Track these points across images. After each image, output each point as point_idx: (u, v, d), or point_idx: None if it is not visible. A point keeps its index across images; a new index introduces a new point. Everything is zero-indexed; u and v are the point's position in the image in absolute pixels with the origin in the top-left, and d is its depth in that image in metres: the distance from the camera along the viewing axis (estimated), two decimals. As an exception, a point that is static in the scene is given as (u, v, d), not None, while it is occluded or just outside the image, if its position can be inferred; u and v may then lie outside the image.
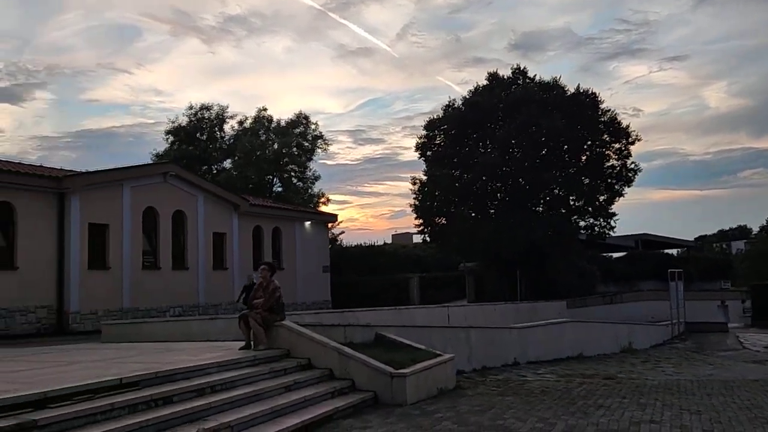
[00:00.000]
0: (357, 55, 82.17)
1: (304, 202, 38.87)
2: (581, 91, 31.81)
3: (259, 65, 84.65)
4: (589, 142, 31.64)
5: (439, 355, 11.72)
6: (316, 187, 42.69)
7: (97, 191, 20.98)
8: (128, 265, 21.84)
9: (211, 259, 25.33)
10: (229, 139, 43.91)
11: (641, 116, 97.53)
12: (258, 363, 9.88)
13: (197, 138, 43.83)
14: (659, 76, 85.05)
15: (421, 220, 32.80)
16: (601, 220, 31.89)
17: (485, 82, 32.71)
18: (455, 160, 31.98)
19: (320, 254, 31.54)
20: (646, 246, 44.32)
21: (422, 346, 12.45)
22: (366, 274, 35.64)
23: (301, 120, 41.99)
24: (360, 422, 8.49)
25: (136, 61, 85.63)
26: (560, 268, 30.90)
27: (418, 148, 32.78)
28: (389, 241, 47.86)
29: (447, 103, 32.82)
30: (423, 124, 33.09)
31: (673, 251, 49.68)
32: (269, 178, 40.89)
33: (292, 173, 41.83)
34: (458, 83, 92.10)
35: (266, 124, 41.91)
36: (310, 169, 41.76)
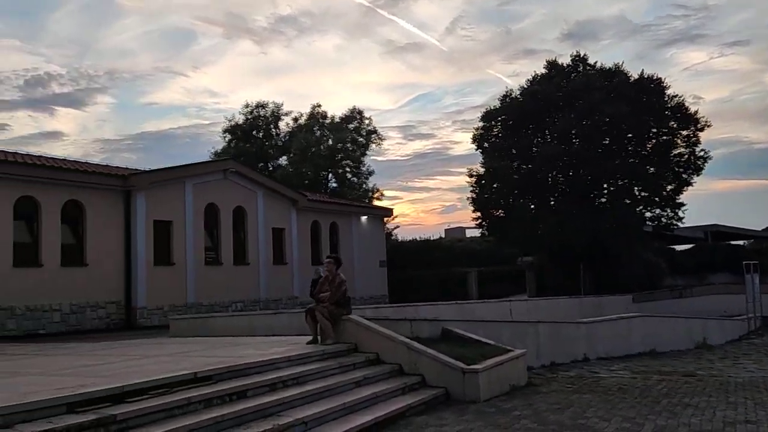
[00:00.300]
0: (406, 50, 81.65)
1: (358, 197, 38.86)
2: (646, 76, 30.55)
3: (310, 64, 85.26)
4: (655, 130, 30.37)
5: (510, 350, 11.35)
6: (370, 183, 42.75)
7: (161, 189, 21.37)
8: (192, 261, 22.19)
9: (271, 254, 25.52)
10: (285, 136, 44.33)
11: (702, 104, 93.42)
12: (327, 358, 9.74)
13: (253, 136, 44.45)
14: (720, 62, 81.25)
15: (478, 213, 32.25)
16: (668, 210, 30.60)
17: (544, 71, 31.85)
18: (513, 151, 31.30)
19: (377, 249, 31.40)
20: (717, 237, 42.36)
21: (491, 342, 12.11)
22: (422, 269, 35.32)
23: (355, 115, 42.01)
24: (434, 419, 8.22)
25: (192, 63, 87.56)
26: (625, 261, 29.83)
27: (474, 139, 32.22)
28: (441, 236, 47.32)
29: (504, 93, 32.16)
30: (474, 117, 32.64)
31: (743, 242, 47.33)
32: (324, 174, 41.05)
33: (347, 169, 41.91)
34: (509, 75, 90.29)
35: (320, 120, 42.10)
36: (365, 164, 41.75)
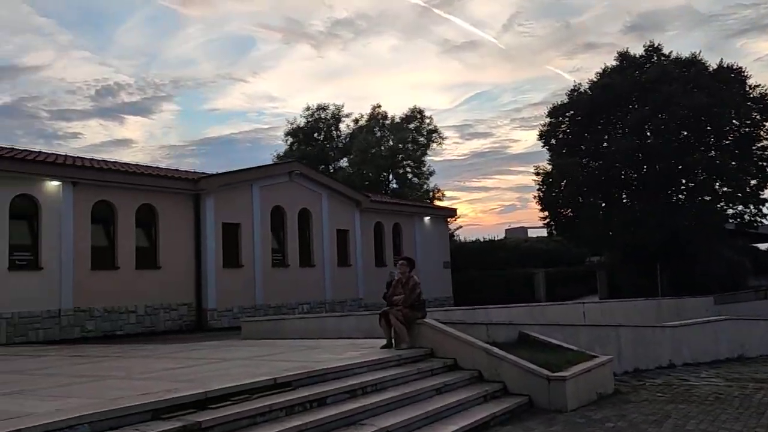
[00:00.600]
0: (462, 49, 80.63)
1: (419, 197, 38.51)
2: (725, 66, 28.94)
3: (366, 66, 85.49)
4: (736, 122, 28.70)
5: (595, 356, 10.76)
6: (431, 183, 42.31)
7: (229, 192, 21.63)
8: (259, 263, 22.36)
9: (336, 256, 25.48)
10: (345, 138, 44.43)
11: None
12: (403, 363, 9.44)
13: (314, 138, 44.75)
14: (794, 52, 76.50)
15: (546, 213, 31.31)
16: (752, 207, 28.86)
17: (614, 63, 30.61)
18: (582, 147, 30.22)
19: (440, 250, 30.94)
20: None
21: (573, 347, 11.55)
22: (485, 270, 34.61)
23: (416, 114, 41.67)
24: (520, 430, 7.79)
25: (252, 69, 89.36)
26: (704, 260, 28.31)
27: (541, 136, 31.31)
28: (501, 236, 46.38)
29: (572, 87, 31.08)
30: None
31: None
32: (385, 175, 40.88)
33: (407, 169, 41.63)
34: (569, 71, 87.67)
35: (381, 120, 41.96)
36: (425, 164, 41.33)
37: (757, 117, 28.44)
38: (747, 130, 28.74)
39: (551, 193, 30.71)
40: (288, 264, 23.55)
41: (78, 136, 77.68)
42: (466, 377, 9.47)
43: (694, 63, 29.24)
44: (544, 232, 49.20)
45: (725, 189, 28.88)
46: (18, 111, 74.76)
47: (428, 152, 41.43)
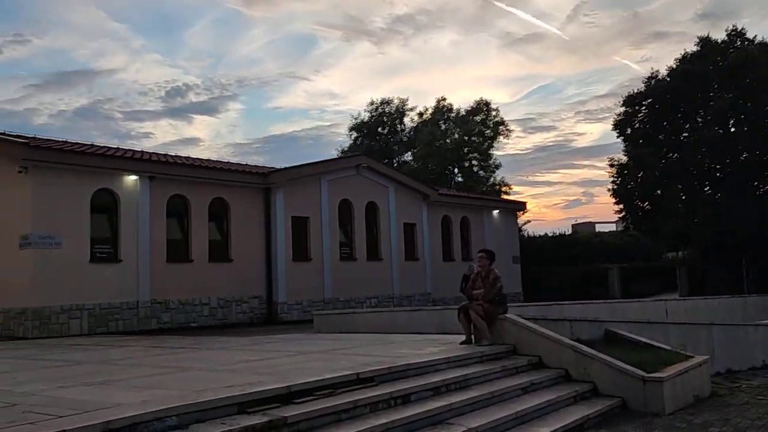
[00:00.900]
0: (525, 42, 78.64)
1: (486, 191, 37.75)
2: (820, 48, 26.86)
3: (427, 61, 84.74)
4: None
5: (690, 356, 10.07)
6: (498, 176, 41.42)
7: (298, 185, 21.68)
8: (328, 257, 22.35)
9: (403, 249, 25.22)
10: (409, 132, 44.11)
11: None
12: (486, 360, 9.06)
13: (379, 132, 44.63)
14: None
15: (621, 206, 29.99)
16: None
17: (695, 49, 28.93)
18: (661, 136, 28.74)
19: (509, 244, 30.17)
20: None
21: (664, 346, 10.87)
22: (555, 265, 33.57)
23: (482, 107, 40.89)
24: (618, 435, 7.28)
25: (314, 68, 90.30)
26: (798, 256, 26.42)
27: (616, 126, 29.95)
28: (566, 231, 44.87)
29: (649, 74, 29.55)
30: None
31: None
32: (450, 168, 40.32)
33: (473, 162, 40.92)
34: (637, 61, 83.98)
35: (446, 113, 41.38)
36: (492, 157, 40.50)
37: None
38: None
39: (627, 185, 29.36)
40: (356, 258, 23.45)
41: (149, 136, 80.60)
42: (553, 376, 9.00)
43: (783, 46, 27.29)
44: (613, 227, 47.53)
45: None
46: (94, 112, 78.18)
47: (495, 144, 40.62)
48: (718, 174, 28.30)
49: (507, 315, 10.15)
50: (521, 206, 32.77)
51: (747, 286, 26.10)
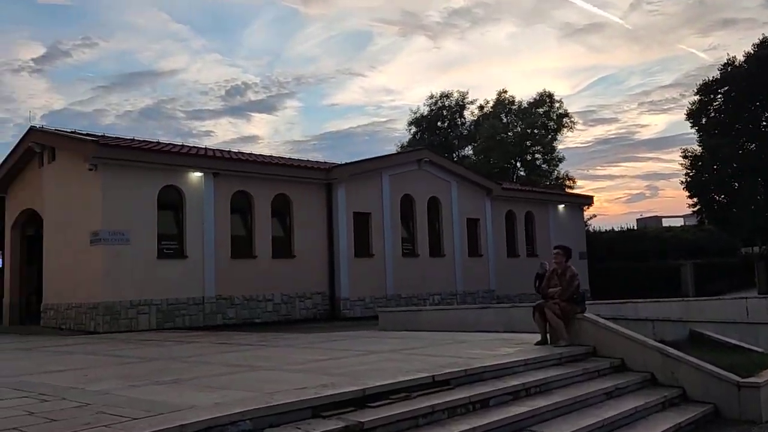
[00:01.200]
0: (585, 32, 76.17)
1: (549, 185, 36.70)
2: None
3: (484, 55, 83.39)
4: None
5: (790, 360, 9.26)
6: (561, 169, 40.22)
7: (359, 181, 21.48)
8: (390, 253, 22.08)
9: (466, 245, 24.68)
10: (470, 125, 43.37)
11: None
12: (564, 362, 8.56)
13: (438, 126, 44.09)
14: None
15: (695, 199, 28.56)
16: None
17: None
18: (738, 126, 27.20)
19: (575, 240, 29.05)
20: None
21: (757, 348, 10.10)
22: (623, 261, 32.23)
23: (545, 99, 39.74)
24: (715, 446, 6.68)
25: (369, 64, 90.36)
26: None
27: (689, 115, 28.51)
28: (628, 226, 43.07)
29: (726, 61, 27.97)
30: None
31: None
32: (512, 162, 39.41)
33: (536, 155, 39.87)
34: (704, 50, 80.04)
35: (508, 106, 40.44)
36: (556, 150, 39.32)
37: None
38: None
39: (701, 177, 27.95)
40: (418, 254, 23.09)
41: (210, 134, 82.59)
42: (638, 380, 8.43)
43: None
44: (681, 222, 45.48)
45: None
46: (158, 112, 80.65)
47: (559, 137, 39.43)
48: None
49: (585, 314, 9.61)
50: (588, 200, 31.61)
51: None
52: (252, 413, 4.92)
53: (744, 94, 26.86)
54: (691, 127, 28.64)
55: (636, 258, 32.38)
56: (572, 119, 39.87)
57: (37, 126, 19.01)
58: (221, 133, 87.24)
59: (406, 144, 43.43)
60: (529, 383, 7.28)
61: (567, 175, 39.34)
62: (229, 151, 20.97)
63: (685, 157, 28.66)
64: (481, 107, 42.55)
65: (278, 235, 19.84)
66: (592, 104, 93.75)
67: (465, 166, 30.48)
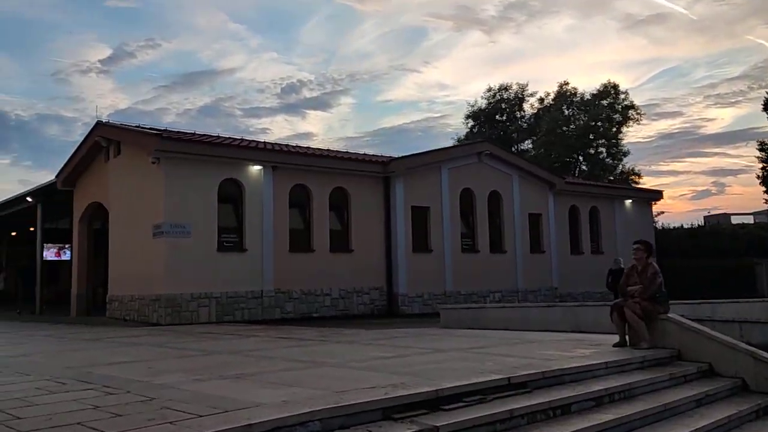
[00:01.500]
0: (647, 23, 73.11)
1: (614, 179, 35.34)
2: None
3: (541, 48, 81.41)
4: None
5: None
6: (626, 164, 38.70)
7: (417, 174, 21.06)
8: (449, 248, 21.58)
9: (528, 241, 23.93)
10: (529, 118, 42.27)
11: None
12: (647, 366, 7.98)
13: (496, 120, 43.16)
14: None
15: (773, 194, 26.95)
16: None
17: None
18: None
19: (643, 236, 27.52)
20: None
21: None
22: (691, 259, 30.65)
23: (609, 90, 38.29)
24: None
25: (423, 59, 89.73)
26: None
27: (766, 106, 26.90)
28: (695, 223, 40.98)
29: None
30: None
31: None
32: (575, 156, 38.15)
33: (600, 149, 38.48)
34: (775, 40, 75.79)
35: (570, 98, 39.16)
36: (621, 144, 37.83)
37: None
38: None
39: (780, 170, 26.34)
40: (478, 249, 22.51)
41: (266, 131, 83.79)
42: (728, 386, 7.79)
43: None
44: (751, 219, 43.12)
45: None
46: (216, 110, 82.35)
47: (625, 129, 37.91)
48: None
49: (670, 315, 8.96)
50: (657, 195, 30.18)
51: None
52: (321, 413, 4.62)
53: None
54: (769, 117, 27.04)
55: (707, 256, 30.77)
56: (639, 111, 38.29)
57: (104, 120, 19.39)
58: (277, 131, 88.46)
59: (462, 138, 42.69)
60: (612, 388, 6.75)
61: (633, 170, 37.81)
62: (287, 145, 20.90)
63: (761, 149, 27.06)
64: (541, 100, 41.45)
65: (336, 229, 19.64)
66: (655, 98, 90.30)
67: (527, 159, 29.58)
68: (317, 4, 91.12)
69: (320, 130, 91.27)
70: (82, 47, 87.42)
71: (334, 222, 19.71)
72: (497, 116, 42.84)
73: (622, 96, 38.26)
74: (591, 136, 37.14)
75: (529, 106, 42.45)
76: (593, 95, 38.43)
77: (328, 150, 21.97)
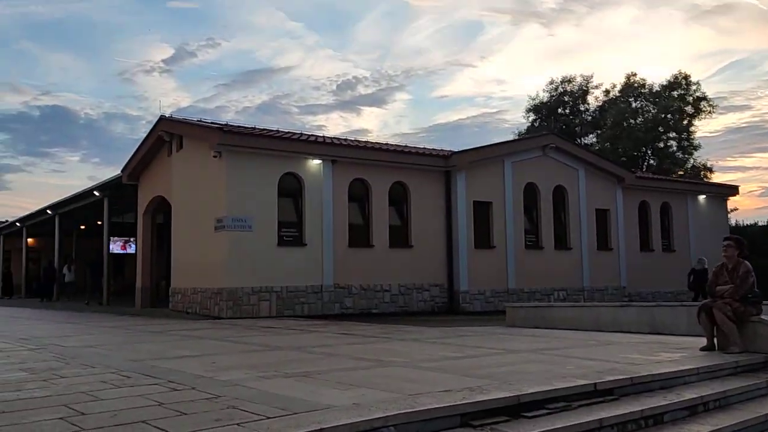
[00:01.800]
0: (714, 13, 69.31)
1: (685, 174, 33.71)
2: None
3: (602, 41, 78.43)
4: None
5: None
6: (697, 158, 36.87)
7: (479, 168, 20.48)
8: (511, 245, 20.92)
9: (595, 238, 22.98)
10: (594, 111, 40.83)
11: None
12: (740, 372, 7.33)
13: (558, 113, 41.91)
14: None
15: None
16: None
17: None
18: None
19: (718, 234, 26.21)
20: None
21: None
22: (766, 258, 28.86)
23: (680, 81, 36.53)
24: None
25: (480, 54, 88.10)
26: None
27: None
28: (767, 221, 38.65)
29: None
30: None
31: None
32: (644, 150, 36.58)
33: (670, 142, 36.79)
34: None
35: (638, 89, 37.57)
36: (693, 137, 36.03)
37: None
38: None
39: None
40: (542, 246, 21.76)
41: (322, 128, 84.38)
42: (834, 398, 7.01)
43: None
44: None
45: None
46: (273, 108, 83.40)
47: (696, 122, 36.09)
48: None
49: (762, 317, 8.24)
50: (733, 191, 28.54)
51: None
52: (395, 419, 4.27)
53: None
54: None
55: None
56: (711, 103, 36.38)
57: (166, 115, 19.64)
58: (332, 127, 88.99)
59: (523, 132, 41.64)
60: (706, 396, 6.18)
61: (704, 165, 35.96)
62: (346, 139, 20.70)
63: None
64: (606, 92, 39.90)
65: (395, 224, 19.30)
66: (722, 90, 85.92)
67: (594, 152, 28.50)
68: (374, 2, 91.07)
69: (375, 126, 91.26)
70: (146, 47, 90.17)
71: (394, 217, 19.37)
72: (560, 109, 41.58)
73: (694, 87, 36.48)
74: (660, 129, 35.52)
75: (594, 99, 41.03)
76: (663, 86, 36.74)
77: (387, 144, 21.63)
